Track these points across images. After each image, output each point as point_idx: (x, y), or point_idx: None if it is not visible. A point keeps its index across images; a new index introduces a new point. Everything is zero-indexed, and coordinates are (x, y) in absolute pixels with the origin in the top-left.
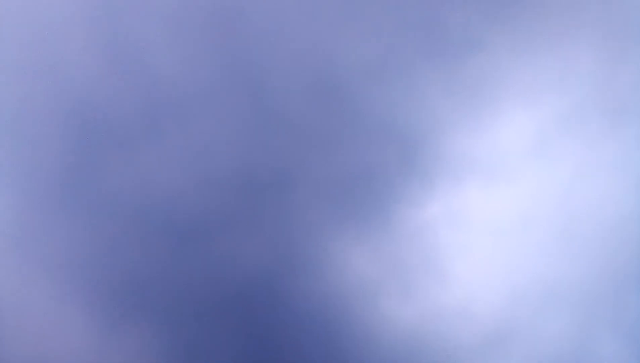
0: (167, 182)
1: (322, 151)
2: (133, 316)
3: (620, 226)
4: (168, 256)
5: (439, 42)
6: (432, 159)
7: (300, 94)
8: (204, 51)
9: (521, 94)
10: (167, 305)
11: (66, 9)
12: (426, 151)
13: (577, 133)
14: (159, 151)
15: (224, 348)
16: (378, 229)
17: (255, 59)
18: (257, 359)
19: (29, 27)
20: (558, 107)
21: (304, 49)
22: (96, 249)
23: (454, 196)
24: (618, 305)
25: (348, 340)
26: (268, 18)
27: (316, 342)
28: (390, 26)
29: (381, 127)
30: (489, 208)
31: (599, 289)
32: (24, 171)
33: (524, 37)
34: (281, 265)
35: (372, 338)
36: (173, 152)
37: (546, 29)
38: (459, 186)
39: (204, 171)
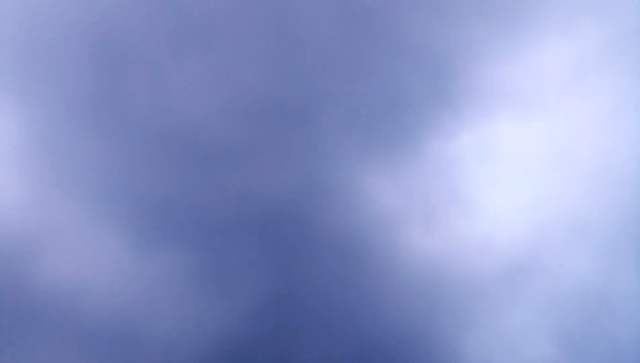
0: (191, 104)
1: (349, 79)
2: (162, 236)
3: None
4: (194, 179)
5: None
6: (463, 89)
7: (328, 20)
8: None
9: (560, 22)
10: (194, 226)
11: None
12: (458, 81)
13: (617, 67)
14: (184, 72)
15: (248, 268)
16: (405, 159)
17: None
18: (280, 284)
19: None
20: (598, 38)
21: None
22: (122, 170)
23: (485, 128)
24: None
25: (371, 268)
26: None
27: (339, 270)
28: None
29: (411, 55)
30: (520, 141)
31: (626, 229)
32: (50, 89)
33: None
34: (305, 192)
35: (394, 267)
36: (198, 75)
37: None
38: (491, 117)
39: (230, 96)
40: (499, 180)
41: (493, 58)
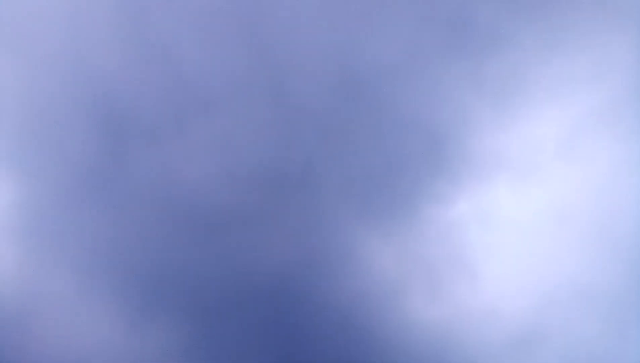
0: (191, 176)
1: (347, 148)
2: (156, 309)
3: None
4: (191, 250)
5: (467, 37)
6: (460, 156)
7: (325, 90)
8: (229, 46)
9: (552, 90)
10: (189, 299)
11: (94, 0)
12: (454, 148)
13: (610, 130)
14: (184, 145)
15: (246, 344)
16: (404, 227)
17: (280, 56)
18: (278, 357)
19: (56, 18)
20: (590, 103)
21: (329, 45)
22: (120, 241)
23: (483, 194)
24: None
25: (373, 340)
26: (292, 15)
27: (339, 342)
28: (417, 22)
29: (408, 124)
30: (519, 207)
31: (632, 292)
32: (50, 162)
33: (555, 31)
34: (305, 262)
35: (397, 338)
36: (198, 146)
37: (578, 22)
38: (488, 184)
39: (228, 165)
40: (499, 246)
41: (488, 126)
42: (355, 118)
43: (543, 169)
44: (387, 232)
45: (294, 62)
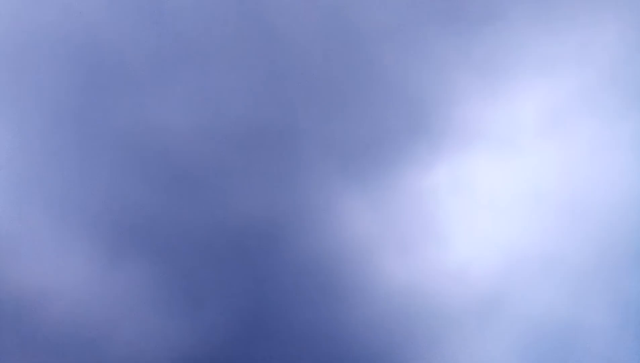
0: (171, 124)
1: (331, 107)
2: (130, 252)
3: (627, 209)
4: (167, 197)
5: (459, 8)
6: (442, 125)
7: (314, 48)
8: None
9: (538, 66)
10: (164, 244)
11: None
12: (437, 116)
13: (593, 111)
14: (165, 93)
15: (220, 291)
16: (382, 189)
17: (270, 10)
18: (250, 305)
19: None
20: (575, 82)
21: (321, 4)
22: (96, 184)
23: (461, 164)
24: (614, 283)
25: (343, 293)
26: None
27: (311, 294)
28: None
29: (394, 88)
30: (495, 178)
31: (597, 267)
32: (28, 103)
33: (546, 9)
34: (282, 214)
35: (366, 293)
36: (179, 95)
37: (568, 2)
38: (467, 154)
39: (210, 116)
40: (472, 214)
41: (470, 97)
42: (341, 78)
43: (523, 144)
44: (364, 193)
45: (284, 19)
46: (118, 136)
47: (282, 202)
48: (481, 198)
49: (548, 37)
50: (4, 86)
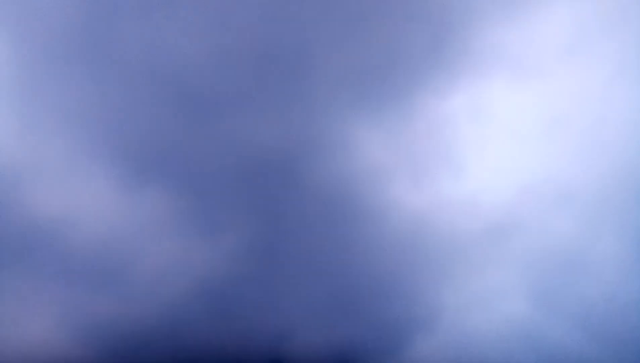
0: (186, 51)
1: (347, 35)
2: (148, 177)
3: None
4: (185, 124)
5: None
6: (460, 50)
7: None
8: None
9: None
10: (182, 170)
11: None
12: (455, 42)
13: (613, 38)
14: (181, 20)
15: (239, 216)
16: (398, 117)
17: None
18: (265, 229)
19: None
20: (596, 8)
21: None
22: (116, 111)
23: (479, 90)
24: (626, 214)
25: (356, 218)
26: None
27: (325, 217)
28: None
29: (409, 15)
30: (513, 105)
31: (610, 197)
32: (47, 31)
33: None
34: (297, 142)
35: (379, 220)
36: (195, 22)
37: None
38: (485, 80)
39: (225, 44)
40: (488, 142)
41: (491, 22)
42: (359, 6)
43: (542, 70)
44: (380, 120)
45: None
46: (132, 64)
47: (298, 129)
48: (498, 126)
49: None
50: (21, 15)
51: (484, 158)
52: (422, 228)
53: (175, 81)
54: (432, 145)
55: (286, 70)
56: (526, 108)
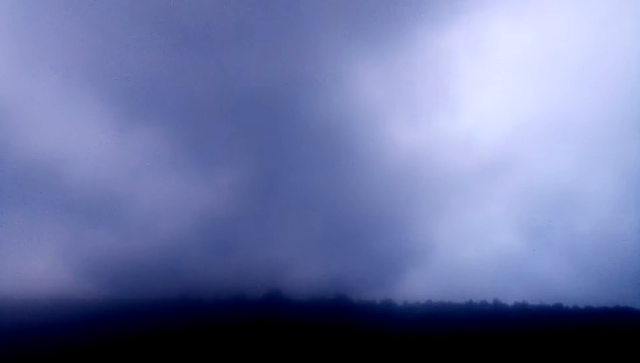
0: None
1: None
2: (144, 113)
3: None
4: (180, 60)
5: None
6: None
7: None
8: None
9: None
10: (178, 106)
11: None
12: None
13: None
14: None
15: (232, 152)
16: (394, 52)
17: None
18: (262, 166)
19: None
20: None
21: None
22: (111, 47)
23: (478, 24)
24: (620, 151)
25: (352, 154)
26: None
27: (321, 154)
28: None
29: None
30: (513, 40)
31: (604, 134)
32: None
33: None
34: (292, 78)
35: (375, 155)
36: None
37: None
38: (485, 14)
39: None
40: (485, 77)
41: None
42: None
43: (542, 5)
44: (376, 56)
45: None
46: (128, 2)
47: (292, 65)
48: (496, 60)
49: None
50: None
51: (480, 94)
52: (418, 163)
53: (169, 19)
54: (429, 81)
55: (282, 5)
56: (526, 43)
